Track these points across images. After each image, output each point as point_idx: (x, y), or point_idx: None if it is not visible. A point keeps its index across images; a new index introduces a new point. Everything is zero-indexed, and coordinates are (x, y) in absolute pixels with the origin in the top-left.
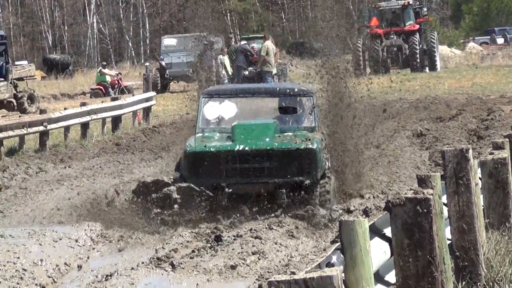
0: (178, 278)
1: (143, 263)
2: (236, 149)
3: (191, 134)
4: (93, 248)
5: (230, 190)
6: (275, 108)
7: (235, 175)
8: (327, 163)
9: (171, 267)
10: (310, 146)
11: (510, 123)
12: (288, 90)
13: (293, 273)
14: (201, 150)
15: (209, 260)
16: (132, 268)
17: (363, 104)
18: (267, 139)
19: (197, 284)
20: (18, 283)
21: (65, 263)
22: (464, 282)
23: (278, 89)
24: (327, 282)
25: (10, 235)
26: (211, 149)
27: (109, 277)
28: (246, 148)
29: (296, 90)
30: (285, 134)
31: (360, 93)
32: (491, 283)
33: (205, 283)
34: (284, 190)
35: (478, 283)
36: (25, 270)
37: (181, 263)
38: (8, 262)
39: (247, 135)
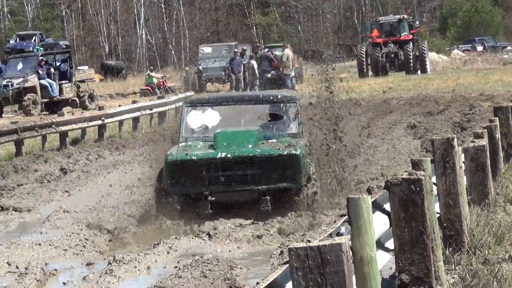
0: (213, 246)
1: (184, 233)
2: (218, 156)
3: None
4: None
5: (213, 198)
6: (259, 116)
7: (218, 183)
8: (311, 168)
9: (208, 237)
10: (293, 151)
11: (488, 116)
12: (271, 97)
13: (309, 241)
14: (182, 159)
15: (239, 231)
16: (176, 238)
17: (366, 101)
18: (250, 146)
19: (229, 250)
20: (81, 250)
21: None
22: (450, 248)
23: (261, 96)
24: (337, 248)
25: (74, 211)
26: (193, 157)
27: (156, 245)
28: (228, 156)
29: (279, 97)
30: (269, 141)
31: (363, 93)
32: (473, 249)
33: (236, 249)
34: (268, 197)
35: (462, 249)
36: (87, 239)
37: (216, 234)
38: (73, 233)
39: (229, 143)
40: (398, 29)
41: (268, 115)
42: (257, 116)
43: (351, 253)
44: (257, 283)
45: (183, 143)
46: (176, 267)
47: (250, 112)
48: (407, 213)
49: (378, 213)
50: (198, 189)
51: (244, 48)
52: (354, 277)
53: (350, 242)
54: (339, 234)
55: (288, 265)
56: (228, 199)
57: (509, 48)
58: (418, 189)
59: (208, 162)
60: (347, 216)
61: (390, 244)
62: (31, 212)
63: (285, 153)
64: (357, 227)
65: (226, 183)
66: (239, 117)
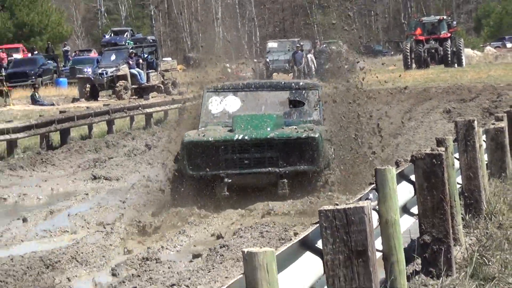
0: (272, 207)
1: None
2: (235, 138)
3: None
4: None
5: (230, 180)
6: (279, 102)
7: (235, 166)
8: (331, 154)
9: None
10: (312, 134)
11: None
12: (293, 84)
13: (337, 204)
14: (199, 140)
15: (296, 197)
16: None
17: (409, 89)
18: (268, 129)
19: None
20: (160, 213)
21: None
22: (470, 215)
23: (283, 83)
24: (360, 210)
25: (156, 180)
26: (209, 139)
27: (223, 210)
28: (246, 138)
29: (301, 84)
30: (289, 127)
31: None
32: (489, 215)
33: (291, 213)
34: (286, 180)
35: (480, 215)
36: (166, 203)
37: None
38: (154, 198)
39: (247, 125)
40: (439, 28)
41: (288, 101)
42: (277, 102)
43: (374, 214)
44: (290, 238)
45: (203, 128)
46: (239, 228)
47: (271, 98)
48: (429, 183)
49: (404, 182)
50: (215, 171)
51: (302, 43)
52: (380, 237)
53: (373, 205)
54: (367, 199)
55: (318, 224)
56: (245, 181)
57: None
58: (439, 162)
59: (225, 144)
60: (374, 184)
61: (414, 209)
62: (119, 180)
63: (303, 135)
64: (383, 194)
65: (243, 166)
66: (260, 103)
